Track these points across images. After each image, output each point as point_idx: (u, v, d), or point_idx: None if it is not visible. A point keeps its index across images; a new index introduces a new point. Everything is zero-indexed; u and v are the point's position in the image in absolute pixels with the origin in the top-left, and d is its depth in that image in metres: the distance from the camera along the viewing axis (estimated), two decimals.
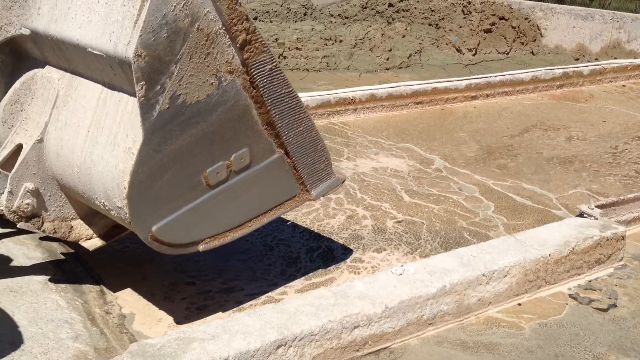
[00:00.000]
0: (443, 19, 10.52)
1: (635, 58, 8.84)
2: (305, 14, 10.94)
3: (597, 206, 3.84)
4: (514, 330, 3.02)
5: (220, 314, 3.10)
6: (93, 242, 3.21)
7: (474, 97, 6.85)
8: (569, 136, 5.91)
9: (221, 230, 2.95)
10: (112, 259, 3.53)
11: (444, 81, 6.88)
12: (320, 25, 10.40)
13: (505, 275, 3.18)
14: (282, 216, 4.07)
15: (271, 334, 2.58)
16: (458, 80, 6.91)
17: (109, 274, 3.40)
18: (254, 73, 2.83)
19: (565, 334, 3.01)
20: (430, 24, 10.56)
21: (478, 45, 9.97)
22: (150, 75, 2.53)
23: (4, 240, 3.54)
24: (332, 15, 10.94)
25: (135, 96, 2.58)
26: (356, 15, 10.91)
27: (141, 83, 2.52)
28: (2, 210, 3.02)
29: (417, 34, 10.23)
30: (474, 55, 9.83)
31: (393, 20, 10.74)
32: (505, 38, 10.21)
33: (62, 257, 3.52)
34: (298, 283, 3.39)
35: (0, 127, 3.22)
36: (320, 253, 3.70)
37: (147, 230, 2.73)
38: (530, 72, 7.40)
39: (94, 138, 2.84)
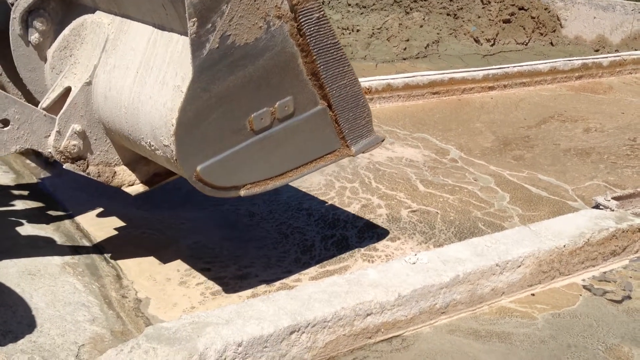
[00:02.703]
0: (461, 8, 10.44)
1: None
2: (322, 3, 10.91)
3: (614, 198, 3.82)
4: (526, 320, 3.03)
5: (234, 299, 3.14)
6: (135, 188, 3.26)
7: (491, 88, 6.81)
8: (587, 128, 5.86)
9: (263, 177, 2.98)
10: (128, 244, 3.58)
11: (461, 71, 6.84)
12: (337, 15, 10.37)
13: (519, 266, 3.18)
14: (297, 204, 4.09)
15: (284, 320, 2.60)
16: (475, 71, 6.87)
17: (126, 258, 3.44)
18: (301, 20, 2.84)
19: (578, 324, 3.01)
20: (448, 14, 10.48)
21: (496, 35, 9.89)
22: (202, 13, 2.56)
23: (24, 224, 3.60)
24: (349, 5, 10.90)
25: (185, 35, 2.63)
26: (374, 4, 10.87)
27: (193, 19, 2.55)
28: (50, 151, 3.08)
29: (434, 24, 10.17)
30: (492, 45, 9.76)
31: (411, 9, 10.68)
32: (524, 28, 10.11)
33: (80, 241, 3.57)
34: (312, 270, 3.41)
35: (49, 73, 3.28)
36: (335, 241, 3.71)
37: (192, 169, 2.76)
38: (549, 63, 7.34)
39: (143, 79, 2.88)
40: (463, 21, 10.21)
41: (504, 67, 7.03)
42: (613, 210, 3.69)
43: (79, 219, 3.80)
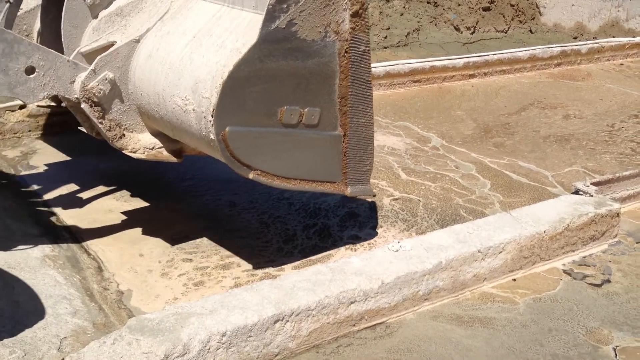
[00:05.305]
0: None
1: (633, 36, 8.80)
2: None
3: (593, 183, 3.86)
4: (508, 305, 3.06)
5: (217, 290, 3.13)
6: (136, 155, 3.36)
7: (471, 76, 6.82)
8: (566, 114, 5.91)
9: (272, 171, 3.07)
10: (109, 236, 3.55)
11: (442, 59, 6.85)
12: None
13: (501, 252, 3.20)
14: (278, 193, 4.08)
15: (269, 309, 2.60)
16: (456, 59, 6.88)
17: (106, 250, 3.41)
18: (351, 45, 3.07)
19: (559, 308, 3.05)
20: (428, 2, 10.48)
21: (476, 23, 9.92)
22: None
23: (3, 217, 3.56)
24: None
25: (255, 13, 2.91)
26: None
27: None
28: (76, 96, 3.13)
29: (415, 12, 10.16)
30: (472, 33, 9.78)
31: None
32: (503, 16, 10.15)
33: (60, 233, 3.54)
34: (295, 260, 3.41)
35: (89, 34, 3.36)
36: (317, 230, 3.71)
37: (222, 126, 2.86)
38: (528, 50, 7.37)
39: (199, 41, 3.05)
40: (443, 9, 10.22)
41: (484, 55, 7.05)
42: (592, 196, 3.72)
43: (59, 211, 3.77)
